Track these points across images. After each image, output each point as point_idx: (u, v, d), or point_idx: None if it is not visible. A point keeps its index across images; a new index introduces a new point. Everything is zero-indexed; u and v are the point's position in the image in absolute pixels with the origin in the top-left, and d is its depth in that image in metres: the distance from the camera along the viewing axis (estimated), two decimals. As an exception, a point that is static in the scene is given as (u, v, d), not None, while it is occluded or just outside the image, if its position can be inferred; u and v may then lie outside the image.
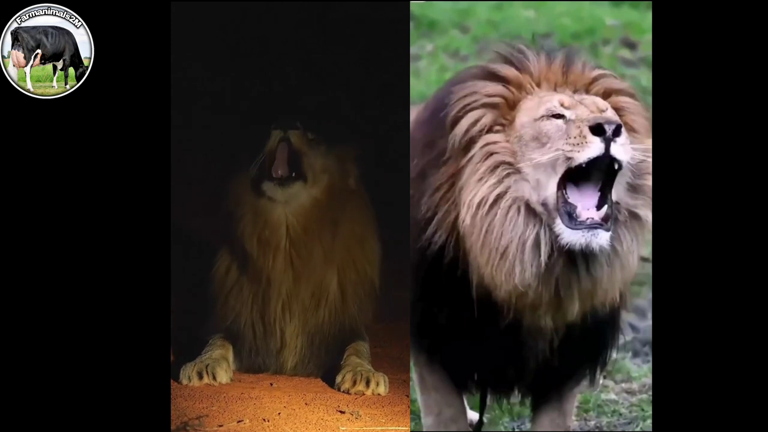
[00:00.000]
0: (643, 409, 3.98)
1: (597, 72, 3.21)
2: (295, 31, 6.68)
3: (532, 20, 6.73)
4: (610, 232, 2.97)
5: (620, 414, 3.99)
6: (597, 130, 2.95)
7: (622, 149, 2.96)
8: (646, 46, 6.36)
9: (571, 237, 2.96)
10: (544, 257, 3.00)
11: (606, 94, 3.17)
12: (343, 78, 6.49)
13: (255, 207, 3.94)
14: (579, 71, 3.20)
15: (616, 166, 2.98)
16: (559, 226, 2.98)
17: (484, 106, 3.11)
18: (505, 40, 3.66)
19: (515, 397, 3.48)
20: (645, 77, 5.87)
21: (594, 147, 2.95)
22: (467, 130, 3.09)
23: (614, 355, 3.44)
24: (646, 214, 3.08)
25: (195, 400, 3.62)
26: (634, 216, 3.08)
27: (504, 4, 6.87)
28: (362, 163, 4.12)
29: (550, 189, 3.00)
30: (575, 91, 3.16)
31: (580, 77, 3.19)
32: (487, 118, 3.11)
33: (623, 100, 3.18)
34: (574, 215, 2.97)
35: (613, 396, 4.08)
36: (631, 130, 3.13)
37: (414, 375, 3.50)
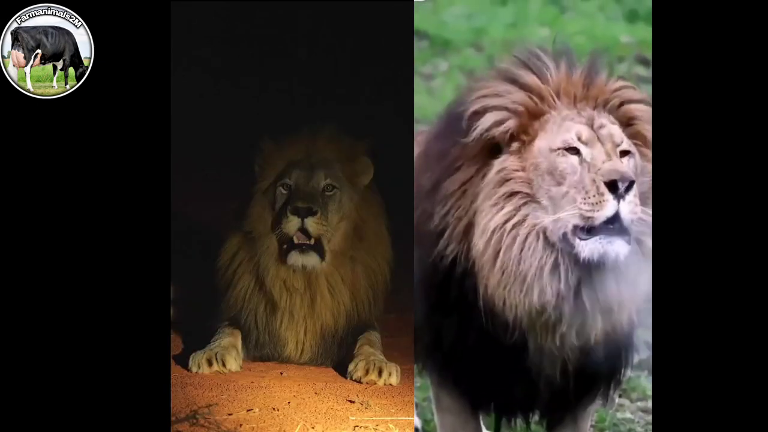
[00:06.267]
0: (659, 428, 3.93)
1: (618, 84, 3.21)
2: (295, 31, 6.75)
3: (546, 39, 6.73)
4: (626, 242, 2.98)
5: (636, 433, 3.96)
6: (611, 186, 2.99)
7: (627, 208, 2.99)
8: (661, 63, 6.35)
9: (588, 249, 2.98)
10: (563, 278, 3.02)
11: (623, 104, 3.18)
12: (345, 84, 6.55)
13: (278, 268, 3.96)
14: (601, 84, 3.20)
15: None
16: (578, 246, 2.99)
17: (508, 110, 3.11)
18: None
19: (530, 417, 3.43)
20: (661, 94, 5.87)
21: (610, 206, 3.00)
22: (489, 129, 3.08)
23: (629, 373, 3.43)
24: (648, 241, 3.11)
25: (204, 389, 3.64)
26: (640, 242, 3.08)
27: (518, 23, 6.89)
28: (373, 158, 4.09)
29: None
30: (595, 107, 3.16)
31: (601, 91, 3.19)
32: (513, 122, 3.10)
33: (638, 108, 3.18)
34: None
35: (628, 415, 4.07)
36: (644, 139, 3.16)
37: (431, 394, 3.49)
